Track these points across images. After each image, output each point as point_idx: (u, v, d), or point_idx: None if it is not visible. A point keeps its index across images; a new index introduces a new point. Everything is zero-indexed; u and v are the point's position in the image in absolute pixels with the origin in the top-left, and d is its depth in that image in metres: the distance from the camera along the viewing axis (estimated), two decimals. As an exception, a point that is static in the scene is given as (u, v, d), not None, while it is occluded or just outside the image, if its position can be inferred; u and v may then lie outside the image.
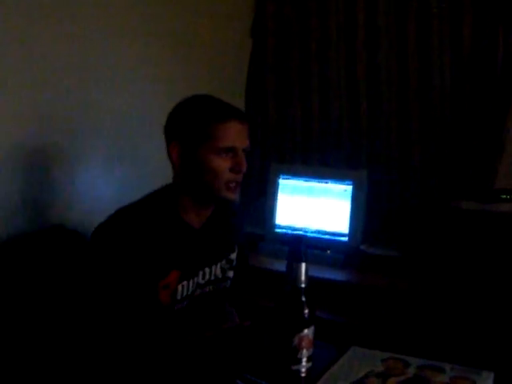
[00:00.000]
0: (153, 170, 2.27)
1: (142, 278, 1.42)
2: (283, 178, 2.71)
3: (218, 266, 1.65)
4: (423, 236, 2.46)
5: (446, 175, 2.64)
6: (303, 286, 1.25)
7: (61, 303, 1.62)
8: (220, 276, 1.66)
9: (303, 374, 1.24)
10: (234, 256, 1.72)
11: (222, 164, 1.50)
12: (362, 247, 2.57)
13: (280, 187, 2.71)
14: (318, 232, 2.64)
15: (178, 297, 1.51)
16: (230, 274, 1.70)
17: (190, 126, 1.51)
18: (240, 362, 1.35)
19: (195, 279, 1.56)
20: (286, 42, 2.95)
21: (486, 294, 2.16)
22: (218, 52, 2.78)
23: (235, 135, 1.51)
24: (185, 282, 1.52)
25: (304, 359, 1.24)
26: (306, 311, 1.24)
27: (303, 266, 1.25)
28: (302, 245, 1.25)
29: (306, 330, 1.23)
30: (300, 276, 1.25)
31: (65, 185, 2.03)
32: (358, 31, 2.77)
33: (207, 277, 1.61)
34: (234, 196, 1.54)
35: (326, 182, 2.64)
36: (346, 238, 2.59)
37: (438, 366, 1.27)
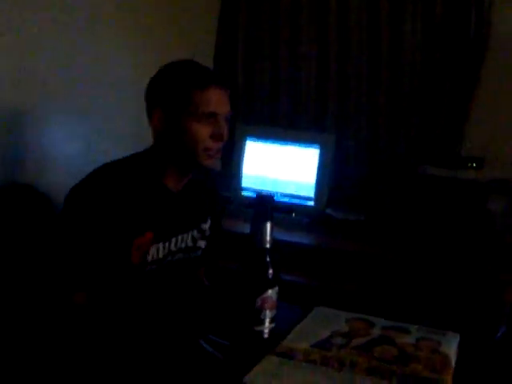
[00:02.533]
0: (126, 130, 2.25)
1: (115, 234, 1.40)
2: (250, 140, 2.65)
3: (190, 234, 1.60)
4: (389, 201, 2.45)
5: (414, 141, 2.61)
6: (268, 246, 1.21)
7: (24, 261, 1.59)
8: (191, 245, 1.61)
9: (266, 335, 1.21)
10: (206, 226, 1.67)
11: (203, 130, 1.46)
12: (328, 211, 2.54)
13: (246, 149, 2.66)
14: (284, 195, 2.60)
15: (149, 259, 1.47)
16: (202, 244, 1.65)
17: (171, 92, 1.48)
18: (203, 322, 1.31)
19: (167, 244, 1.52)
20: (256, 4, 2.86)
21: (450, 258, 2.16)
22: (187, 14, 2.68)
23: (216, 101, 1.47)
24: (157, 245, 1.49)
25: (267, 320, 1.20)
26: (270, 272, 1.20)
27: (268, 225, 1.20)
28: (267, 204, 1.20)
29: (269, 291, 1.20)
30: (265, 236, 1.21)
31: (35, 145, 1.98)
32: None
33: (179, 244, 1.56)
34: (215, 164, 1.51)
35: (293, 145, 2.59)
36: (311, 202, 2.56)
37: (403, 327, 1.24)
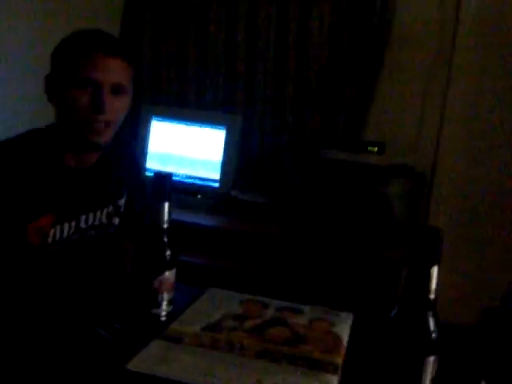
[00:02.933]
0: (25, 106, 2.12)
1: (9, 216, 1.30)
2: (155, 120, 2.58)
3: (104, 211, 1.51)
4: (293, 184, 2.46)
5: (319, 125, 2.62)
6: (165, 226, 1.16)
7: None
8: (105, 222, 1.52)
9: (163, 318, 1.16)
10: (121, 202, 1.57)
11: (81, 97, 1.34)
12: (233, 193, 2.52)
13: (152, 129, 2.58)
14: (190, 177, 2.56)
15: (50, 240, 1.38)
16: (116, 220, 1.56)
17: (57, 60, 1.38)
18: (99, 307, 1.25)
19: (73, 223, 1.43)
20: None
21: (350, 240, 2.20)
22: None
23: (100, 68, 1.34)
24: (58, 226, 1.39)
25: (164, 303, 1.16)
26: (168, 253, 1.15)
27: (166, 205, 1.16)
28: (165, 183, 1.16)
29: (166, 273, 1.15)
30: (163, 216, 1.16)
31: None
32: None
33: (90, 221, 1.48)
34: (100, 138, 1.39)
35: (200, 126, 2.54)
36: (216, 184, 2.53)
37: (297, 308, 1.22)
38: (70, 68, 1.35)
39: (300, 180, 2.45)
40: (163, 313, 1.16)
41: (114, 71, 1.37)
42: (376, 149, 2.37)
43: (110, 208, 1.54)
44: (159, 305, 1.16)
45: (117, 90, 1.37)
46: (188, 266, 1.97)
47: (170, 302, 1.17)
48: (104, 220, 1.52)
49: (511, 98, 2.40)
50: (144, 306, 1.15)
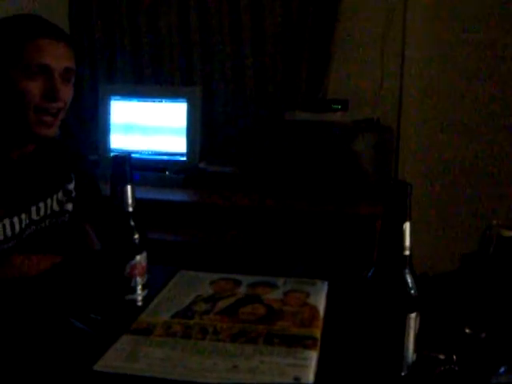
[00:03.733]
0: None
1: None
2: (114, 100, 2.50)
3: (54, 198, 1.45)
4: (260, 151, 2.42)
5: (280, 87, 2.57)
6: (131, 209, 1.12)
7: None
8: (57, 209, 1.46)
9: (139, 303, 1.12)
10: (71, 186, 1.51)
11: (33, 86, 1.27)
12: (201, 165, 2.48)
13: (112, 109, 2.50)
14: (156, 153, 2.50)
15: (1, 237, 1.31)
16: (69, 206, 1.50)
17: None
18: (72, 297, 1.21)
19: (23, 216, 1.36)
20: None
21: (321, 200, 2.19)
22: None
23: (48, 53, 1.28)
24: (7, 220, 1.32)
25: (138, 287, 1.11)
26: (136, 236, 1.10)
27: (129, 188, 1.10)
28: (125, 165, 1.11)
29: (137, 257, 1.10)
30: (127, 199, 1.11)
31: None
32: None
33: (42, 212, 1.42)
34: (49, 131, 1.33)
35: (160, 101, 2.47)
36: (184, 158, 2.48)
37: (271, 282, 1.16)
38: (15, 55, 1.27)
39: (266, 145, 2.41)
40: (139, 298, 1.12)
41: (63, 56, 1.32)
42: (340, 106, 2.34)
43: (60, 194, 1.47)
44: (134, 290, 1.11)
45: (66, 75, 1.32)
46: (163, 243, 1.96)
47: (144, 286, 1.12)
48: (56, 208, 1.46)
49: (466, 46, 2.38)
50: (118, 292, 1.11)
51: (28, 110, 1.29)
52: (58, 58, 1.30)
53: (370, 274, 0.89)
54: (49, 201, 1.44)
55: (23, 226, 1.38)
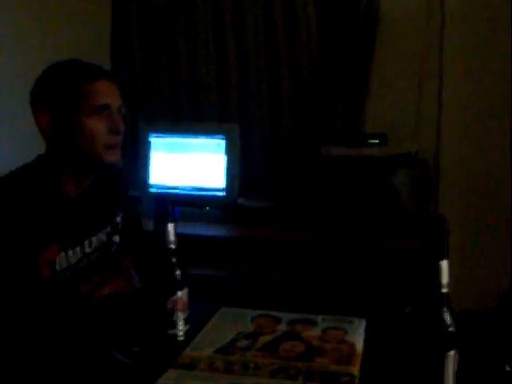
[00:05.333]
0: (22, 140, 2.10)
1: (19, 253, 1.31)
2: (154, 137, 2.59)
3: (105, 232, 1.55)
4: (297, 186, 2.45)
5: (316, 123, 2.61)
6: (172, 246, 1.17)
7: None
8: (105, 241, 1.55)
9: (181, 338, 1.17)
10: (118, 219, 1.61)
11: (98, 125, 1.40)
12: (240, 201, 2.52)
13: (152, 146, 2.58)
14: (195, 189, 2.56)
15: (58, 268, 1.40)
16: (116, 238, 1.60)
17: (59, 90, 1.40)
18: (116, 331, 1.26)
19: (77, 249, 1.45)
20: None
21: (360, 235, 2.19)
22: (79, 15, 2.58)
23: (106, 93, 1.42)
24: (63, 253, 1.41)
25: (180, 322, 1.17)
26: (178, 273, 1.16)
27: (170, 226, 1.16)
28: (167, 204, 1.16)
29: (179, 293, 1.16)
30: (168, 237, 1.17)
31: None
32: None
33: (94, 245, 1.50)
34: (116, 158, 1.45)
35: (199, 138, 2.55)
36: (223, 193, 2.53)
37: (310, 319, 1.21)
38: (75, 97, 1.39)
39: (303, 180, 2.44)
40: (180, 332, 1.17)
41: (117, 94, 1.45)
42: (377, 140, 2.37)
43: (109, 227, 1.57)
44: (175, 325, 1.16)
45: (120, 111, 1.45)
46: (202, 278, 1.99)
47: (186, 321, 1.17)
48: (104, 240, 1.55)
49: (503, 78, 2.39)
50: (160, 327, 1.16)
51: (97, 145, 1.40)
52: (114, 96, 1.44)
53: (407, 311, 0.90)
54: (100, 234, 1.53)
55: (77, 258, 1.46)
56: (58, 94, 1.40)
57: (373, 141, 2.36)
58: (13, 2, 2.20)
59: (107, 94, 1.42)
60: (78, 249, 1.45)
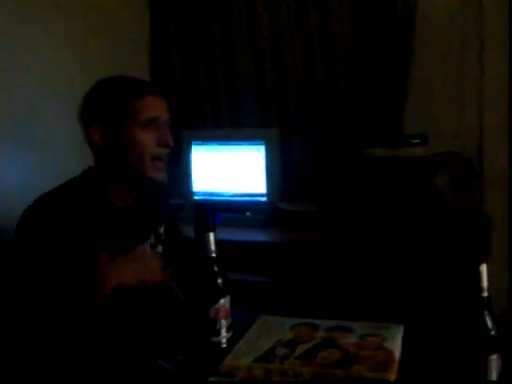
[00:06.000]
0: (66, 156, 2.19)
1: (69, 261, 1.35)
2: (195, 145, 2.63)
3: (149, 242, 1.59)
4: (339, 188, 2.45)
5: (356, 125, 2.61)
6: (214, 255, 1.20)
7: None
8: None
9: (224, 345, 1.20)
10: (161, 230, 1.66)
11: (147, 137, 1.44)
12: (281, 205, 2.54)
13: (193, 154, 2.64)
14: (237, 195, 2.59)
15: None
16: (159, 249, 1.65)
17: (109, 105, 1.46)
18: (162, 339, 1.29)
19: None
20: (186, 5, 2.82)
21: (404, 237, 2.18)
22: (118, 27, 2.65)
23: (155, 107, 1.47)
24: None
25: (223, 330, 1.20)
26: (220, 281, 1.19)
27: (211, 235, 1.19)
28: (208, 214, 1.19)
29: (221, 301, 1.19)
30: (210, 246, 1.20)
31: None
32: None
33: None
34: (162, 176, 1.49)
35: (239, 144, 2.58)
36: (264, 198, 2.56)
37: (347, 327, 1.22)
38: (125, 111, 1.44)
39: (345, 182, 2.44)
40: (223, 340, 1.20)
41: (165, 107, 1.50)
42: (418, 140, 2.35)
43: (152, 238, 1.61)
44: (218, 333, 1.20)
45: (167, 124, 1.50)
46: (244, 284, 2.01)
47: (228, 329, 1.20)
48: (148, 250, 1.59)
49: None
50: (203, 335, 1.19)
51: (145, 158, 1.45)
52: (162, 109, 1.49)
53: (448, 316, 0.90)
54: (145, 244, 1.58)
55: None
56: (108, 110, 1.46)
57: (414, 141, 2.34)
58: (52, 16, 2.26)
59: (156, 108, 1.47)
60: None
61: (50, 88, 2.23)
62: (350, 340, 1.17)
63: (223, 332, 1.20)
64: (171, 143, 1.48)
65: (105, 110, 1.46)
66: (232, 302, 1.23)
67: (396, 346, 1.13)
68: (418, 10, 2.47)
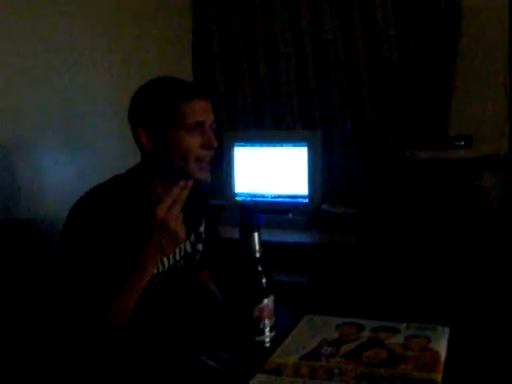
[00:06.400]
0: (115, 157, 2.22)
1: (115, 255, 1.39)
2: (237, 146, 2.66)
3: (189, 240, 1.63)
4: (382, 190, 2.44)
5: (399, 126, 2.61)
6: (258, 255, 1.21)
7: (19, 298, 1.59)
8: (190, 250, 1.65)
9: (267, 345, 1.21)
10: (201, 229, 1.71)
11: (193, 141, 1.47)
12: (324, 207, 2.54)
13: (235, 155, 2.66)
14: (279, 196, 2.61)
15: (154, 271, 1.47)
16: (200, 247, 1.69)
17: (156, 108, 1.49)
18: (205, 337, 1.31)
19: (171, 255, 1.55)
20: (229, 7, 2.86)
21: (449, 241, 2.16)
22: (162, 30, 2.71)
23: (201, 111, 1.49)
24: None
25: (267, 329, 1.21)
26: (264, 281, 1.21)
27: (256, 235, 1.21)
28: (252, 214, 1.21)
29: (265, 300, 1.20)
30: (254, 246, 1.21)
31: (26, 179, 2.00)
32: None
33: (182, 252, 1.60)
34: (206, 175, 1.53)
35: (281, 146, 2.59)
36: (306, 200, 2.56)
37: (393, 327, 1.23)
38: (172, 114, 1.47)
39: (388, 184, 2.43)
40: (267, 339, 1.21)
41: (210, 111, 1.53)
42: (463, 143, 2.33)
43: (193, 236, 1.66)
44: (262, 332, 1.20)
45: (212, 127, 1.53)
46: (287, 285, 2.03)
47: (272, 328, 1.22)
48: (189, 249, 1.64)
49: None
50: (247, 334, 1.20)
51: (189, 159, 1.49)
52: (208, 113, 1.52)
53: (496, 317, 0.90)
54: (186, 243, 1.61)
55: (170, 264, 1.56)
56: (155, 113, 1.49)
57: (458, 143, 2.32)
58: (99, 22, 2.32)
59: (202, 112, 1.49)
60: (170, 255, 1.55)
61: (99, 93, 2.30)
62: (395, 340, 1.18)
63: (267, 331, 1.21)
64: (215, 145, 1.51)
65: (152, 112, 1.49)
66: (276, 302, 1.24)
67: (441, 348, 1.14)
68: (463, 9, 2.45)
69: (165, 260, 1.53)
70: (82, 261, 1.40)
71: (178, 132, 1.47)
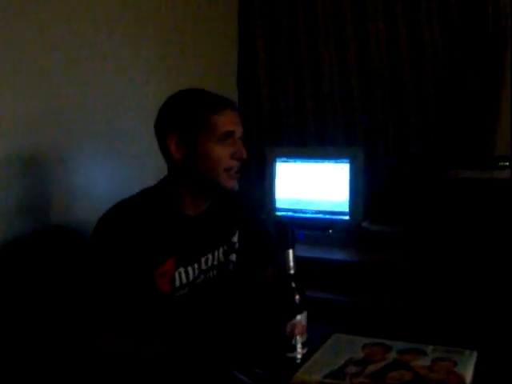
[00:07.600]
0: (149, 165, 2.25)
1: (138, 266, 1.45)
2: (280, 161, 2.69)
3: (221, 250, 1.65)
4: (423, 209, 2.43)
5: (443, 145, 2.60)
6: (292, 272, 1.24)
7: (63, 303, 1.64)
8: (223, 260, 1.66)
9: (299, 361, 1.23)
10: (235, 239, 1.71)
11: (223, 151, 1.51)
12: (364, 224, 2.55)
13: (277, 170, 2.70)
14: (319, 212, 2.62)
15: (177, 284, 1.52)
16: (233, 257, 1.70)
17: (186, 117, 1.52)
18: (236, 352, 1.34)
19: (195, 266, 1.57)
20: (274, 23, 2.92)
21: (492, 263, 2.13)
22: (207, 44, 2.77)
23: (231, 122, 1.54)
24: (182, 269, 1.53)
25: (299, 346, 1.23)
26: (297, 297, 1.23)
27: (290, 252, 1.24)
28: (287, 231, 1.24)
29: (298, 317, 1.23)
30: (288, 262, 1.24)
31: (62, 186, 2.04)
32: (345, 4, 2.74)
33: (210, 262, 1.62)
34: (234, 184, 1.56)
35: (323, 162, 2.61)
36: (347, 217, 2.57)
37: (420, 349, 1.24)
38: (202, 124, 1.51)
39: (430, 204, 2.42)
40: (298, 356, 1.23)
41: (240, 122, 1.58)
42: (508, 163, 2.30)
43: (225, 246, 1.67)
44: (294, 348, 1.23)
45: (241, 138, 1.57)
46: (323, 302, 2.03)
47: (304, 345, 1.24)
48: (222, 258, 1.66)
49: None
50: (279, 350, 1.23)
51: (219, 169, 1.53)
52: (237, 124, 1.56)
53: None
54: (216, 252, 1.65)
55: (195, 274, 1.58)
56: (186, 122, 1.52)
57: (503, 163, 2.29)
58: (146, 35, 2.38)
59: (231, 123, 1.53)
60: (195, 265, 1.57)
61: (143, 103, 2.33)
62: (421, 362, 1.19)
63: (299, 348, 1.23)
64: (245, 156, 1.55)
65: (183, 120, 1.52)
66: (310, 319, 1.26)
67: (467, 372, 1.14)
68: (509, 28, 2.43)
69: (189, 269, 1.55)
70: (104, 275, 1.45)
71: (208, 141, 1.50)
